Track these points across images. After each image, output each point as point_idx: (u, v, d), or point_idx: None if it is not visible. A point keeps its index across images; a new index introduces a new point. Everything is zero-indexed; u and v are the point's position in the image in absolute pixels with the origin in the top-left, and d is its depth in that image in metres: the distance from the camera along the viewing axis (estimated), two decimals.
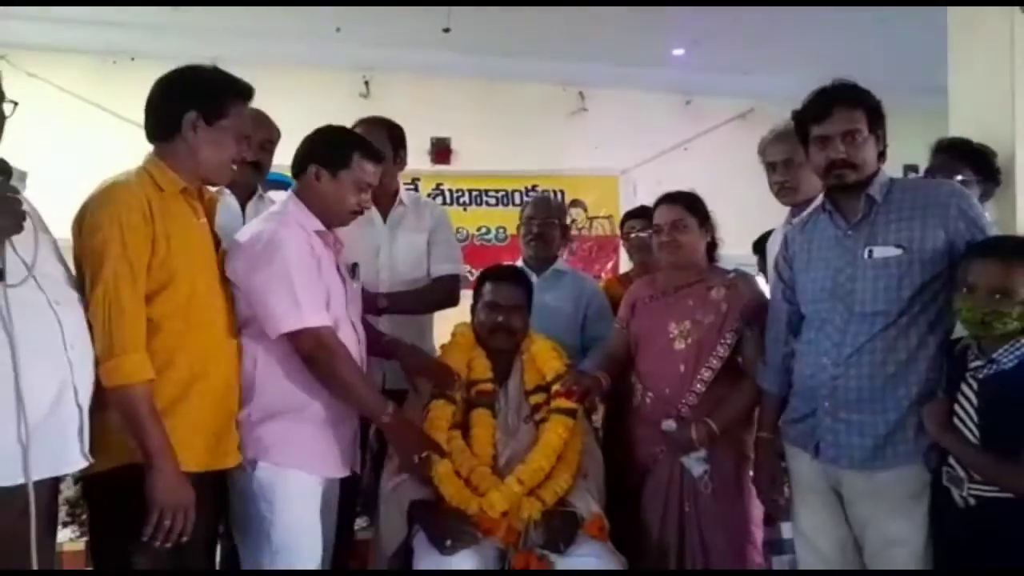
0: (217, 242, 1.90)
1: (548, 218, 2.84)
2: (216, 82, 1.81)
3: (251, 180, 2.50)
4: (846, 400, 1.89)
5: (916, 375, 1.84)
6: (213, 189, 2.38)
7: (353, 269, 2.22)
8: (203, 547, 1.89)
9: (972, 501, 1.72)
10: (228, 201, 2.43)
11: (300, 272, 1.88)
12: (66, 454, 1.47)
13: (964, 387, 1.76)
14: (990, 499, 1.69)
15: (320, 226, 2.01)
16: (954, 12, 2.99)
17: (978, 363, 1.75)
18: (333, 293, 1.98)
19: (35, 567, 1.40)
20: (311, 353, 1.87)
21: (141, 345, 1.61)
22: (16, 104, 1.49)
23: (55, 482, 1.51)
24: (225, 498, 1.92)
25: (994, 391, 1.71)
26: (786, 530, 2.60)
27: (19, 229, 1.41)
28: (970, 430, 1.73)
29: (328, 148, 2.01)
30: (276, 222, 1.97)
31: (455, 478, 2.06)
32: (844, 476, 1.93)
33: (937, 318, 1.86)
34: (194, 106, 1.74)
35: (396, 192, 2.61)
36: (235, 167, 2.39)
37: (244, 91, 1.84)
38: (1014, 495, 1.66)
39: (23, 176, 1.55)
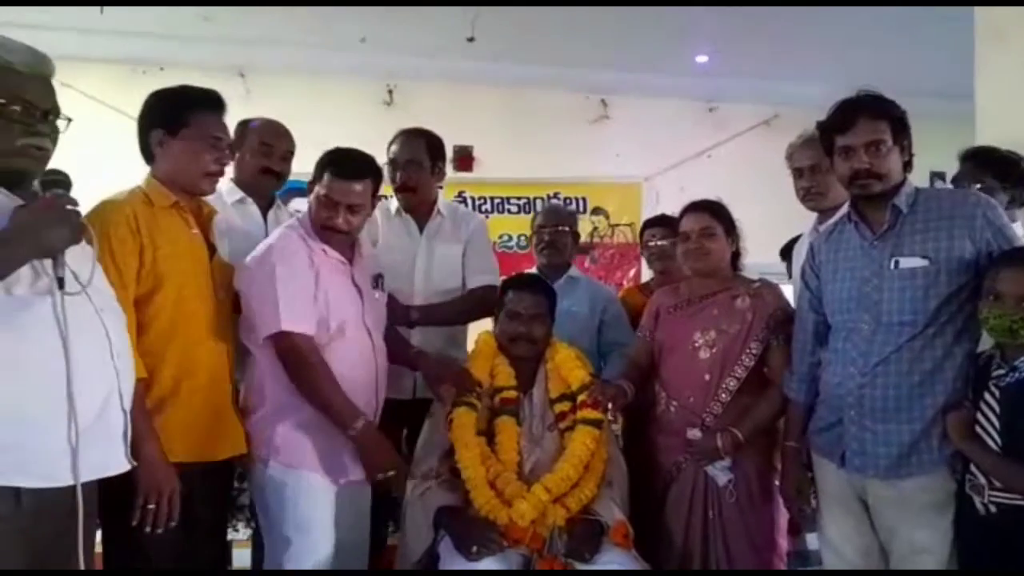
0: (212, 251, 2.00)
1: (560, 226, 2.85)
2: (174, 97, 1.94)
3: (273, 189, 2.57)
4: (872, 409, 1.90)
5: (942, 384, 1.85)
6: (233, 198, 2.47)
7: (376, 280, 2.25)
8: (209, 535, 1.99)
9: (993, 508, 1.74)
10: (251, 210, 2.51)
11: (285, 279, 1.96)
12: (112, 457, 1.53)
13: (987, 395, 1.78)
14: (1010, 506, 1.71)
15: (323, 244, 2.08)
16: (980, 20, 2.98)
17: (1000, 371, 1.78)
18: (340, 302, 2.06)
19: (81, 567, 1.46)
20: (284, 357, 1.97)
21: (132, 347, 1.70)
22: (70, 120, 1.56)
23: (98, 484, 1.56)
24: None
25: (1015, 398, 1.73)
26: (811, 541, 2.59)
27: (77, 240, 1.47)
28: (992, 437, 1.75)
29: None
30: (280, 234, 2.09)
31: (486, 487, 2.08)
32: (870, 485, 1.93)
33: (963, 328, 1.87)
34: (157, 124, 1.91)
35: (434, 202, 2.64)
36: (265, 176, 2.50)
37: (203, 99, 1.95)
38: None
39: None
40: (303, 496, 1.98)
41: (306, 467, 1.99)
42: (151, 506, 1.68)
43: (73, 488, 1.43)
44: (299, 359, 1.96)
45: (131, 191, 1.92)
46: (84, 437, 1.43)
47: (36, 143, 1.48)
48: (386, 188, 2.63)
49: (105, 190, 1.91)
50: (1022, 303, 1.70)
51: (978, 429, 1.78)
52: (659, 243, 2.86)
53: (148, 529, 1.69)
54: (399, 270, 2.47)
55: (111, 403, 1.51)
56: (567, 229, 2.87)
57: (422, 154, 2.55)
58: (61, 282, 1.43)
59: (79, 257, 1.52)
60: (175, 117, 1.90)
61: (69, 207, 1.47)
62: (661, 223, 2.93)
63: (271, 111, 2.90)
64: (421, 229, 2.59)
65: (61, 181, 1.54)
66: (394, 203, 2.63)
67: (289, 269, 1.98)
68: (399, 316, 2.40)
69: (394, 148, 2.57)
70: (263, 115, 2.79)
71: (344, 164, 2.07)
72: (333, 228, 2.07)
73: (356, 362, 2.09)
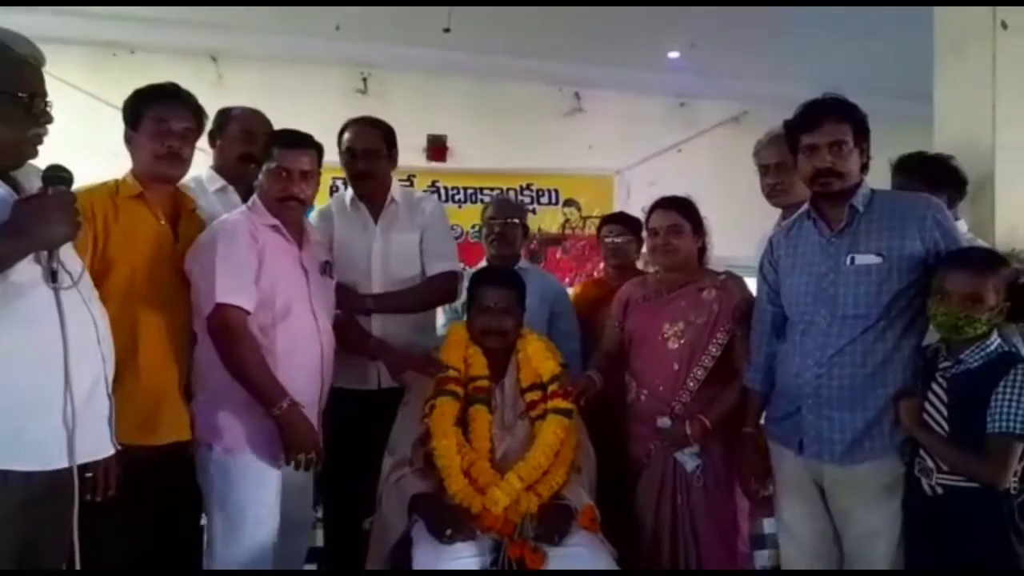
0: (178, 239, 2.08)
1: (510, 218, 2.89)
2: (134, 96, 2.08)
3: (254, 177, 2.56)
4: (829, 398, 1.99)
5: (892, 375, 1.95)
6: (214, 186, 2.49)
7: (324, 267, 2.28)
8: (165, 520, 2.03)
9: (940, 490, 1.85)
10: (232, 199, 2.52)
11: (224, 254, 2.00)
12: (100, 441, 1.57)
13: (934, 386, 1.90)
14: (956, 488, 1.83)
15: (274, 221, 2.13)
16: (940, 30, 3.08)
17: (947, 363, 1.89)
18: (285, 282, 2.10)
19: (76, 549, 1.50)
20: (214, 332, 1.99)
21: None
22: (50, 104, 1.57)
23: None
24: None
25: (961, 388, 1.85)
26: (767, 525, 2.70)
27: (75, 236, 1.52)
28: (940, 425, 1.87)
29: (126, 110, 2.08)
30: (227, 216, 2.14)
31: (460, 476, 2.13)
32: (826, 470, 2.02)
33: (912, 322, 1.97)
34: (126, 124, 2.07)
35: (388, 189, 2.61)
36: (245, 162, 2.50)
37: (155, 93, 2.06)
38: (978, 484, 1.79)
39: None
40: (244, 479, 2.02)
41: (248, 450, 2.03)
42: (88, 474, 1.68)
43: (60, 472, 1.46)
44: (229, 335, 1.97)
45: (103, 182, 2.04)
46: (75, 421, 1.46)
47: (42, 132, 1.52)
48: (333, 171, 2.65)
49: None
50: (966, 301, 1.81)
51: (926, 417, 1.88)
52: (615, 240, 2.90)
53: (88, 497, 1.68)
54: (356, 262, 2.48)
55: (98, 389, 1.56)
56: (516, 221, 2.91)
57: (379, 142, 2.56)
58: (54, 275, 1.48)
59: (68, 249, 1.55)
60: (133, 114, 2.06)
61: (71, 203, 1.51)
62: (618, 220, 2.98)
63: (243, 97, 2.91)
64: (376, 219, 2.57)
65: (64, 178, 1.54)
66: (348, 195, 2.61)
67: (230, 245, 2.02)
68: (355, 305, 2.42)
69: (348, 136, 2.55)
70: (234, 100, 2.80)
71: (290, 136, 2.19)
72: (290, 197, 2.12)
73: (300, 344, 2.11)
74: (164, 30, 4.59)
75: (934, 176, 2.49)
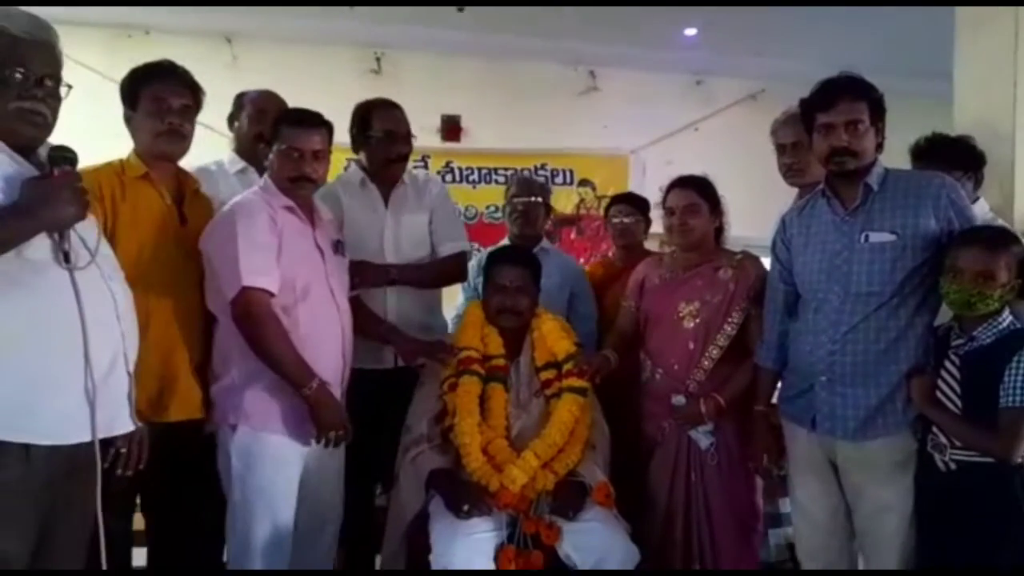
0: (185, 221, 2.10)
1: (533, 196, 2.88)
2: (131, 76, 2.08)
3: (264, 154, 2.58)
4: (842, 375, 2.00)
5: (905, 352, 1.96)
6: (235, 168, 2.51)
7: (336, 245, 2.28)
8: (177, 496, 2.08)
9: (953, 466, 1.87)
10: (253, 179, 2.52)
11: (246, 236, 1.99)
12: (118, 417, 1.58)
13: (947, 363, 1.91)
14: (969, 463, 1.85)
15: (288, 202, 2.12)
16: (961, 7, 3.03)
17: (959, 341, 1.90)
18: (304, 263, 2.10)
19: (100, 522, 1.53)
20: (239, 317, 1.98)
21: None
22: (70, 87, 1.59)
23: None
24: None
25: (974, 365, 1.86)
26: (783, 505, 2.71)
27: (83, 217, 1.52)
28: (952, 402, 1.88)
29: (123, 91, 2.08)
30: (242, 196, 2.13)
31: (480, 454, 2.16)
32: (839, 446, 2.04)
33: (925, 300, 1.98)
34: (125, 105, 2.08)
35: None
36: (259, 141, 2.49)
37: (153, 71, 2.07)
38: (992, 459, 1.81)
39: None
40: (269, 460, 2.02)
41: (274, 431, 2.03)
42: (123, 450, 1.71)
43: (81, 447, 1.48)
44: (255, 319, 1.97)
45: (110, 161, 2.06)
46: (96, 396, 1.49)
47: (30, 107, 1.49)
48: (344, 151, 2.63)
49: (90, 153, 1.94)
50: (978, 279, 1.82)
51: (939, 394, 1.90)
52: (623, 220, 2.90)
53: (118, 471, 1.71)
54: (368, 242, 2.48)
55: (117, 366, 1.56)
56: (540, 200, 2.90)
57: (409, 125, 2.57)
58: (67, 256, 1.48)
59: (86, 225, 1.57)
60: (132, 93, 2.07)
61: (78, 184, 1.51)
62: (625, 200, 2.98)
63: (257, 77, 2.92)
64: (386, 200, 2.56)
65: (69, 158, 1.54)
66: (357, 175, 2.57)
67: (250, 226, 2.01)
68: (377, 276, 2.41)
69: (385, 120, 2.52)
70: (248, 81, 2.82)
71: (300, 115, 2.17)
72: (302, 177, 2.11)
73: (322, 323, 2.12)
74: (179, 11, 4.60)
75: (956, 159, 2.47)
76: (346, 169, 3.85)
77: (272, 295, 2.01)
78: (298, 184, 2.12)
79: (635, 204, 2.92)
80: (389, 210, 2.55)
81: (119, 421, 1.58)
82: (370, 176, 2.56)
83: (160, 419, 1.94)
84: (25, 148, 1.54)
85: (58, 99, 1.56)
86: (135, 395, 1.63)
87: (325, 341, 2.12)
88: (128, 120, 2.09)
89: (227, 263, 1.98)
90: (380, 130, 2.51)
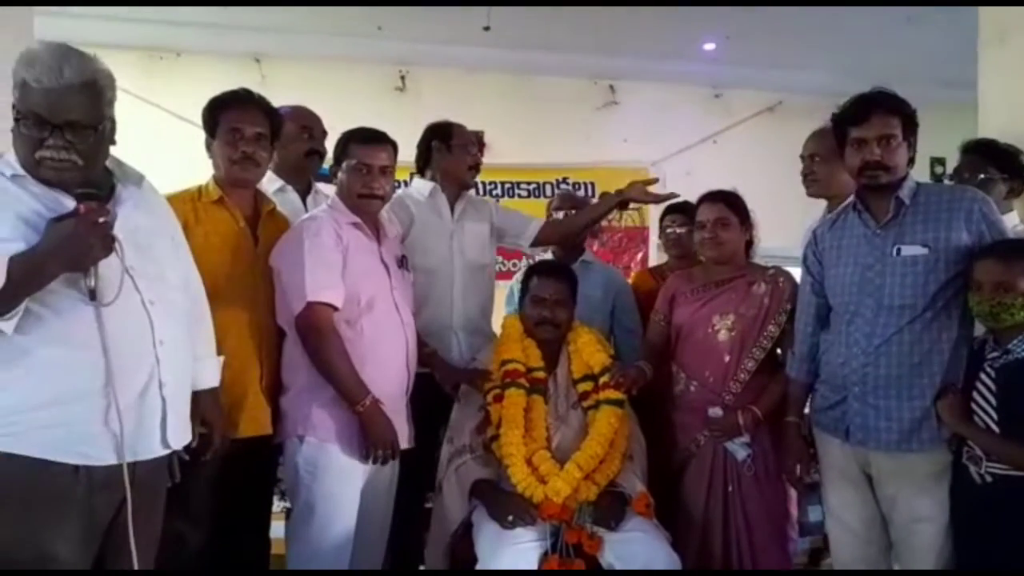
0: (257, 241, 2.17)
1: (575, 209, 2.94)
2: (209, 105, 2.18)
3: (315, 170, 2.72)
4: (875, 387, 2.03)
5: (940, 365, 1.98)
6: (273, 187, 2.59)
7: (401, 261, 2.37)
8: (244, 510, 2.14)
9: (989, 478, 1.88)
10: (290, 197, 2.62)
11: (312, 251, 2.07)
12: (145, 441, 1.58)
13: (983, 375, 1.92)
14: (1005, 476, 1.85)
15: (355, 218, 2.21)
16: (984, 19, 3.06)
17: (995, 354, 1.92)
18: (369, 278, 2.17)
19: (132, 547, 1.54)
20: (302, 330, 2.05)
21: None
22: (112, 122, 1.61)
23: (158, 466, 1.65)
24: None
25: (1010, 378, 1.87)
26: (812, 513, 2.73)
27: (108, 253, 1.50)
28: (988, 414, 1.89)
29: (204, 119, 2.19)
30: (310, 214, 2.22)
31: (524, 465, 2.20)
32: (873, 458, 2.06)
33: (958, 313, 2.00)
34: (207, 133, 2.18)
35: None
36: (311, 157, 2.67)
37: (226, 99, 2.15)
38: None
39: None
40: (333, 470, 2.08)
41: (338, 442, 2.09)
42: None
43: (127, 467, 1.53)
44: (317, 333, 2.04)
45: (187, 189, 2.15)
46: (123, 424, 1.51)
47: (51, 155, 1.50)
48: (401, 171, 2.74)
49: None
50: (998, 289, 1.85)
51: (975, 407, 1.91)
52: (677, 231, 2.92)
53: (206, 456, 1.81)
54: (436, 248, 2.61)
55: (150, 391, 1.57)
56: None
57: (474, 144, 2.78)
58: (93, 293, 1.49)
59: (147, 242, 1.62)
60: (211, 122, 2.17)
61: (102, 219, 1.50)
62: (681, 210, 2.95)
63: (285, 96, 2.98)
64: (452, 209, 2.70)
65: (93, 195, 1.54)
66: (428, 187, 2.70)
67: (317, 242, 2.09)
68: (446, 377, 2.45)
69: (464, 133, 2.75)
70: (277, 99, 2.89)
71: (367, 133, 2.26)
72: (371, 194, 2.20)
73: (386, 337, 2.18)
74: (209, 33, 4.73)
75: (1006, 164, 2.57)
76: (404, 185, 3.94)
77: (336, 309, 2.08)
78: (366, 200, 2.21)
79: (688, 214, 2.86)
80: (455, 217, 2.69)
81: (143, 447, 1.58)
82: (441, 187, 2.71)
83: (231, 436, 1.99)
84: (64, 184, 1.54)
85: (89, 140, 1.53)
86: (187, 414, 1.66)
87: (389, 352, 2.19)
88: (208, 147, 2.18)
89: (294, 278, 2.07)
90: (461, 140, 2.71)
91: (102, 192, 1.57)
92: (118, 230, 1.55)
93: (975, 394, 1.92)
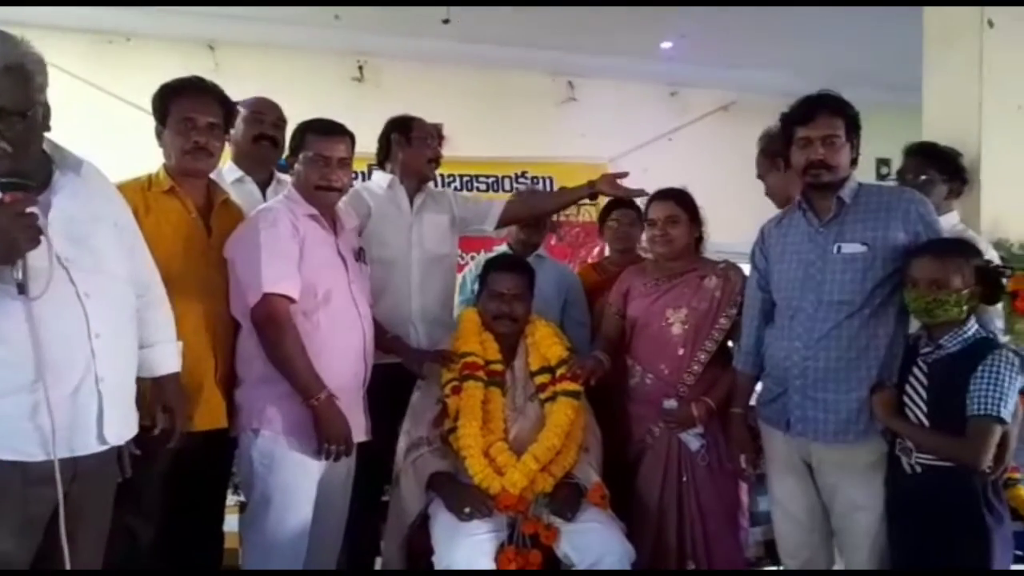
0: (210, 231, 2.13)
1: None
2: (159, 92, 2.12)
3: (272, 158, 2.66)
4: (815, 380, 2.10)
5: (876, 359, 2.06)
6: (232, 177, 2.56)
7: (359, 253, 2.37)
8: (196, 504, 2.12)
9: (919, 468, 1.97)
10: (249, 188, 2.59)
11: (268, 243, 2.04)
12: (81, 437, 1.54)
13: (915, 370, 2.01)
14: (933, 466, 1.95)
15: (312, 210, 2.19)
16: (929, 23, 3.17)
17: (927, 349, 2.00)
18: (326, 270, 2.16)
19: (64, 545, 1.50)
20: (258, 322, 2.03)
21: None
22: (46, 107, 1.56)
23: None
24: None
25: (941, 373, 1.96)
26: (762, 503, 2.81)
27: (35, 245, 1.45)
28: (920, 407, 1.98)
29: (154, 107, 2.14)
30: (266, 205, 2.19)
31: (482, 458, 2.22)
32: (813, 448, 2.14)
33: (895, 309, 2.08)
34: (157, 120, 2.13)
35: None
36: (259, 143, 2.59)
37: (178, 87, 2.10)
38: (957, 465, 1.90)
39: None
40: (289, 462, 2.07)
41: (294, 435, 2.07)
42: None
43: (64, 462, 1.49)
44: (273, 325, 2.01)
45: (137, 177, 2.09)
46: (54, 419, 1.47)
47: None
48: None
49: None
50: (932, 286, 1.92)
51: (907, 400, 1.99)
52: (626, 228, 2.97)
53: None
54: (394, 239, 2.61)
55: (84, 385, 1.53)
56: None
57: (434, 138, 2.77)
58: (21, 287, 1.44)
59: (84, 231, 1.56)
60: (162, 110, 2.12)
61: (28, 210, 1.44)
62: (624, 205, 3.01)
63: (239, 84, 2.94)
64: (411, 201, 2.70)
65: (18, 185, 1.45)
66: (386, 179, 2.70)
67: (273, 233, 2.07)
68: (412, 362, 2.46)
69: (424, 126, 2.74)
70: (230, 88, 2.84)
71: (325, 125, 2.23)
72: (328, 186, 2.18)
73: (343, 329, 2.17)
74: (161, 18, 4.60)
75: (946, 166, 2.70)
76: (364, 176, 3.92)
77: (293, 300, 2.06)
78: (324, 192, 2.19)
79: (635, 209, 2.96)
80: (415, 210, 2.69)
81: (79, 442, 1.54)
82: (400, 180, 2.70)
83: (185, 429, 1.94)
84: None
85: (17, 127, 1.47)
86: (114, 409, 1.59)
87: (346, 345, 2.18)
88: (159, 135, 2.13)
89: (250, 269, 2.04)
90: (420, 133, 2.70)
91: (33, 181, 1.49)
92: (52, 220, 1.50)
93: (907, 387, 2.00)
